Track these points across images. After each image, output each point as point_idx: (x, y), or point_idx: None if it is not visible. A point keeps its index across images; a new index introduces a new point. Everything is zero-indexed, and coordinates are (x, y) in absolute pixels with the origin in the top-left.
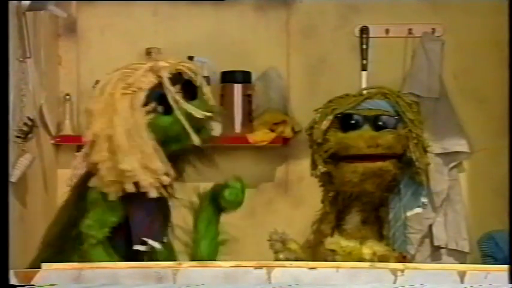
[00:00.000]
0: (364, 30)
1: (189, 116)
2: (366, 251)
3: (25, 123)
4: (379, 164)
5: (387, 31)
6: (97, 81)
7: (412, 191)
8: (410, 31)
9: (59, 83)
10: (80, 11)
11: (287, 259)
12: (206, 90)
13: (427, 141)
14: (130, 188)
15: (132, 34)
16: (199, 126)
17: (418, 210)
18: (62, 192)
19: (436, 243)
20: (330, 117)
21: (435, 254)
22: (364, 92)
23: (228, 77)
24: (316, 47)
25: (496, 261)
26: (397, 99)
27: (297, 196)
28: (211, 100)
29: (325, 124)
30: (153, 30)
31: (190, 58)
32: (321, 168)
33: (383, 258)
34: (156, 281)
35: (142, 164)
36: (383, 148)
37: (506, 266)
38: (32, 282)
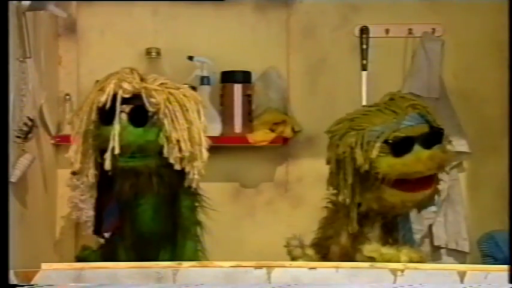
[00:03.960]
0: (364, 30)
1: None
2: (404, 258)
3: (25, 123)
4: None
5: (387, 31)
6: (97, 81)
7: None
8: (410, 31)
9: (59, 83)
10: (80, 11)
11: None
12: (174, 125)
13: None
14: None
15: (132, 34)
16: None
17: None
18: (62, 192)
19: (436, 243)
20: (378, 144)
21: (435, 254)
22: (397, 108)
23: (228, 77)
24: (316, 47)
25: (496, 261)
26: (426, 109)
27: (297, 196)
28: (177, 135)
29: (374, 153)
30: (153, 30)
31: (190, 58)
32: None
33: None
34: (156, 281)
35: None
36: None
37: (506, 266)
38: (32, 282)
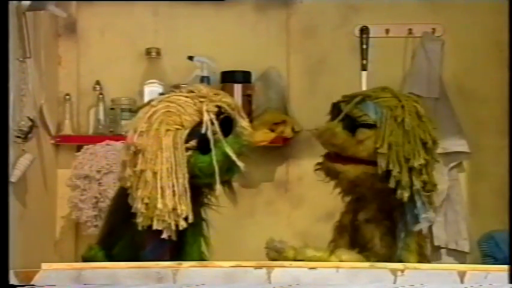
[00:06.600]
0: (364, 30)
1: (225, 154)
2: (334, 259)
3: (25, 123)
4: (336, 165)
5: (387, 31)
6: (97, 82)
7: (414, 205)
8: (410, 31)
9: (59, 83)
10: (80, 11)
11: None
12: (243, 123)
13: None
14: (156, 225)
15: (132, 34)
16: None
17: (421, 226)
18: (62, 192)
19: (436, 243)
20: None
21: (435, 254)
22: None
23: (228, 77)
24: (316, 47)
25: (496, 261)
26: (381, 104)
27: (297, 196)
28: (246, 130)
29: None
30: (153, 30)
31: (190, 58)
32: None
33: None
34: (156, 281)
35: (172, 206)
36: (338, 148)
37: (506, 266)
38: (32, 282)
